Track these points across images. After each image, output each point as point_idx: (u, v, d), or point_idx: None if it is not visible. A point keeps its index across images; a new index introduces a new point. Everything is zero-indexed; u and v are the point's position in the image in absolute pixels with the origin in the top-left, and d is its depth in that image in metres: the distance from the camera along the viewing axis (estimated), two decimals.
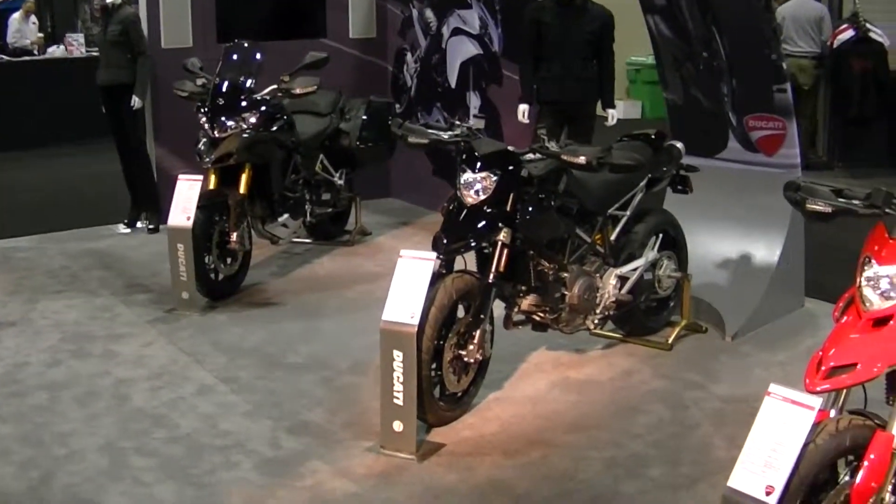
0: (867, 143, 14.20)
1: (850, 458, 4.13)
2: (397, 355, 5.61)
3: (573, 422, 6.13)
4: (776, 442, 3.90)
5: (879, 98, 13.89)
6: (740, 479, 3.92)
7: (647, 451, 5.78)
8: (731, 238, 7.97)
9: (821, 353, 4.19)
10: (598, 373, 6.87)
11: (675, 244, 7.47)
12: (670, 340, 7.28)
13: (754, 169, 7.91)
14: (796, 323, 7.70)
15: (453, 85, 11.22)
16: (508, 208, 6.09)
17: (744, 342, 7.37)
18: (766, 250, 7.82)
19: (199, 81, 8.75)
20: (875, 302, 4.19)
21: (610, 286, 6.84)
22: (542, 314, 6.55)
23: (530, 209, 6.14)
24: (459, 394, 6.16)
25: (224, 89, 8.51)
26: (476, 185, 6.06)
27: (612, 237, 6.98)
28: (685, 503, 5.22)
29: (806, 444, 3.94)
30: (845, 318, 4.32)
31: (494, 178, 6.05)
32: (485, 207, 6.06)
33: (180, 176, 8.23)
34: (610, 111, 9.45)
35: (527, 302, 6.48)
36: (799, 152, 7.85)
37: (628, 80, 19.09)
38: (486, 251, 6.13)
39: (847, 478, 4.09)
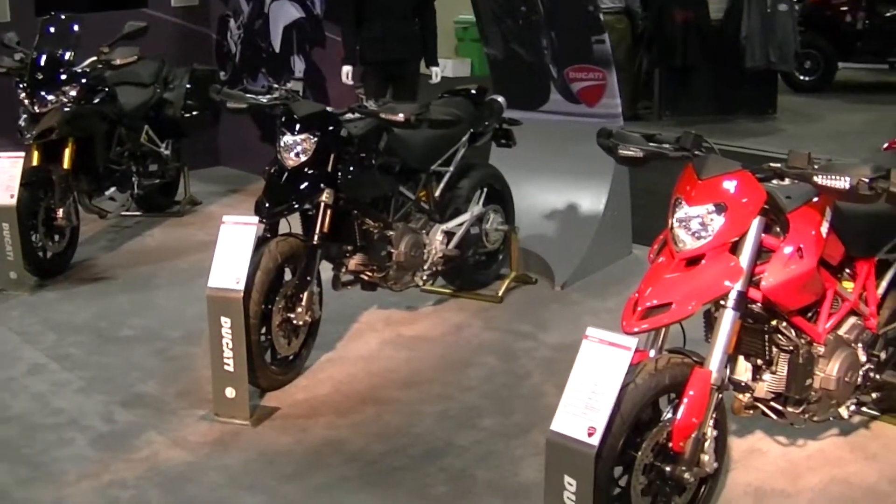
0: (693, 92, 14.45)
1: (672, 395, 4.23)
2: (225, 321, 5.56)
3: (406, 378, 6.16)
4: (596, 384, 3.96)
5: (702, 47, 14.16)
6: (563, 422, 3.97)
7: (480, 403, 5.84)
8: (557, 189, 8.06)
9: (637, 294, 4.27)
10: (430, 328, 6.91)
11: (500, 198, 7.53)
12: (500, 293, 7.35)
13: (577, 120, 8.00)
14: (624, 270, 7.82)
15: (277, 49, 11.13)
16: (329, 169, 6.07)
17: (573, 291, 7.48)
18: (591, 200, 7.92)
19: (17, 56, 8.54)
20: (687, 242, 4.28)
21: (437, 242, 6.87)
22: (369, 273, 6.55)
23: (351, 169, 6.13)
24: (291, 357, 6.14)
25: (42, 63, 8.31)
26: (296, 147, 6.03)
27: (437, 193, 7.00)
28: (518, 451, 5.27)
29: (626, 385, 4.02)
30: (660, 259, 4.40)
31: (314, 139, 6.02)
32: (306, 169, 6.03)
33: (0, 154, 8.04)
34: (434, 69, 9.47)
35: (354, 262, 6.48)
36: (619, 102, 7.95)
37: (456, 39, 19.16)
38: (309, 213, 6.11)
39: (669, 415, 4.18)
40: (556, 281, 7.58)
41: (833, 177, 4.12)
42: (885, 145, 5.56)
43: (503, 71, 8.55)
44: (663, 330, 4.36)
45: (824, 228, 4.45)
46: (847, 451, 5.29)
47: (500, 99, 7.46)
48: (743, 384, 4.71)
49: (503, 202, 7.54)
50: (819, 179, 4.16)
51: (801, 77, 16.94)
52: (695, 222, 4.27)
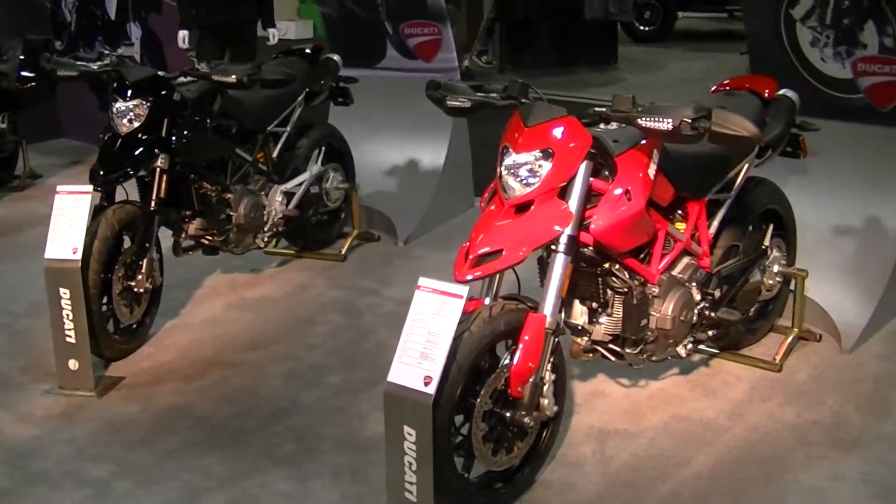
0: (534, 45, 14.53)
1: (509, 342, 4.27)
2: (64, 293, 5.48)
3: (251, 340, 6.14)
4: (430, 333, 3.98)
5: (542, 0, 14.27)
6: (399, 372, 3.98)
7: (325, 361, 5.85)
8: (398, 146, 8.08)
9: (468, 243, 4.30)
10: (274, 290, 6.89)
11: (340, 156, 7.53)
12: (343, 251, 7.37)
13: (414, 76, 8.00)
14: (467, 222, 7.73)
15: (113, 17, 10.95)
16: (164, 134, 6.00)
17: (416, 246, 7.51)
18: (432, 155, 7.96)
19: None
20: (516, 189, 4.31)
21: (276, 203, 6.85)
22: (210, 237, 6.51)
23: (186, 133, 6.06)
24: (134, 325, 6.07)
25: None
26: (128, 113, 5.95)
27: (275, 154, 6.96)
28: (364, 405, 5.29)
29: (461, 333, 4.05)
30: (491, 207, 4.44)
31: (146, 104, 5.94)
32: (139, 135, 5.95)
33: None
34: (271, 30, 9.44)
35: (193, 226, 6.43)
36: (455, 56, 7.98)
37: (299, 1, 19.03)
38: (145, 179, 6.03)
39: (507, 361, 4.22)
40: (398, 237, 7.60)
41: (656, 118, 4.19)
42: (714, 88, 5.68)
43: (339, 29, 8.52)
44: (497, 277, 4.40)
45: (652, 170, 4.51)
46: (687, 389, 5.41)
47: (336, 57, 7.44)
48: (580, 328, 4.78)
49: (343, 160, 7.55)
50: (643, 122, 4.23)
51: (642, 27, 17.17)
52: (523, 169, 4.31)
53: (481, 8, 14.60)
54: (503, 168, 4.36)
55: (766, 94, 5.51)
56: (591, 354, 4.90)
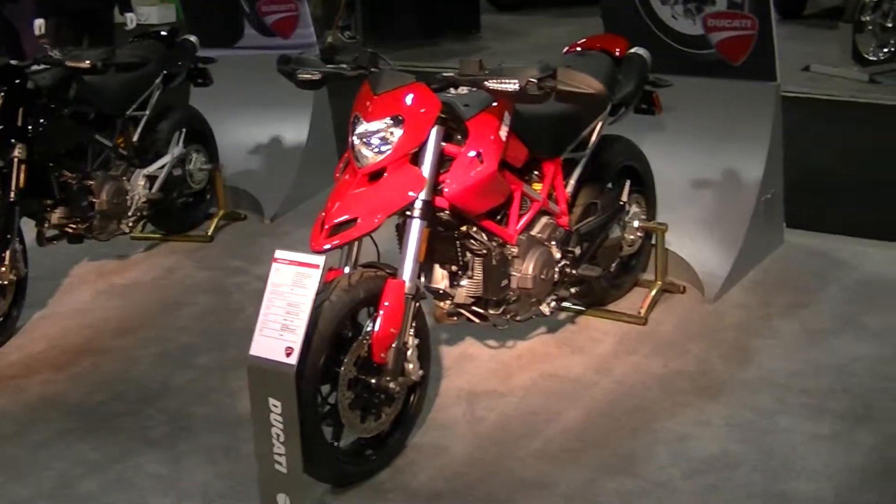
0: (396, 18, 14.51)
1: (371, 309, 4.30)
2: None
3: (120, 326, 6.10)
4: (290, 305, 3.98)
5: None
6: (260, 345, 3.99)
7: (195, 341, 5.83)
8: (260, 124, 8.06)
9: (324, 213, 4.32)
10: (142, 274, 6.85)
11: (202, 137, 7.49)
12: (210, 232, 7.34)
13: (274, 53, 7.93)
14: None
15: None
16: (19, 123, 5.92)
17: (283, 223, 7.52)
18: (294, 131, 7.96)
19: None
20: (368, 157, 4.34)
21: (139, 187, 6.80)
22: (73, 226, 6.44)
23: (42, 121, 5.99)
24: (2, 318, 6.00)
25: None
26: None
27: (135, 138, 6.90)
28: (235, 383, 5.28)
29: (321, 303, 4.08)
30: (345, 177, 4.46)
31: None
32: None
33: None
34: (128, 15, 9.39)
35: (56, 216, 6.36)
36: (313, 31, 7.98)
37: None
38: (3, 170, 5.95)
39: (369, 328, 4.25)
40: (265, 214, 7.60)
41: (502, 80, 4.24)
42: (566, 49, 5.74)
43: (196, 10, 8.49)
44: (356, 246, 4.42)
45: (503, 132, 4.56)
46: (555, 347, 5.49)
47: (193, 38, 7.41)
48: (441, 291, 4.82)
49: (205, 141, 7.51)
50: (490, 84, 4.28)
51: None
52: (374, 137, 4.33)
53: None
54: (355, 137, 4.38)
55: (618, 53, 5.60)
56: (455, 318, 4.95)
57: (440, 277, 4.82)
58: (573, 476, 4.41)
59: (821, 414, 4.80)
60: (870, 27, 11.94)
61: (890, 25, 12.04)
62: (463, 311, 4.91)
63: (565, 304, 5.59)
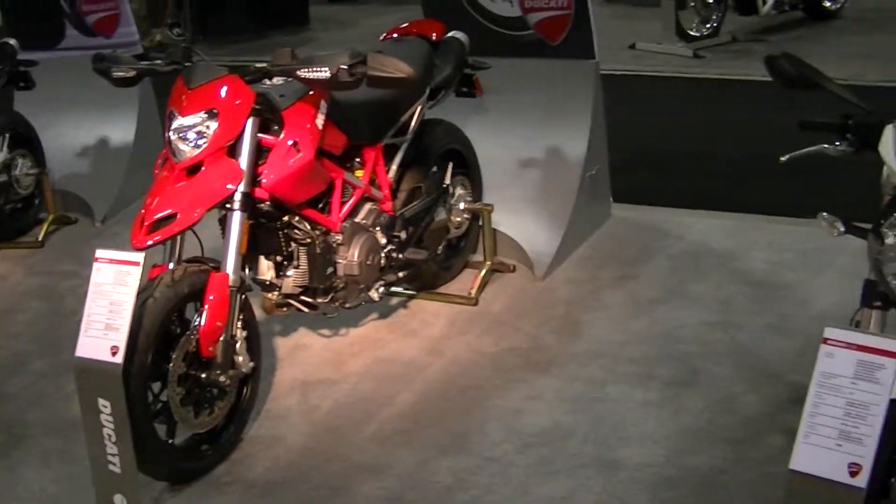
0: (225, 12, 14.40)
1: (197, 304, 4.30)
2: None
3: None
4: (113, 304, 3.97)
5: None
6: (86, 346, 3.97)
7: (28, 348, 5.76)
8: (86, 126, 7.95)
9: (143, 209, 4.30)
10: None
11: (28, 141, 7.35)
12: (40, 237, 7.22)
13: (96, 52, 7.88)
14: None
15: None
16: None
17: (114, 224, 7.42)
18: (121, 131, 7.87)
19: None
20: (185, 151, 4.34)
21: None
22: None
23: None
24: None
25: None
26: None
27: None
28: (68, 386, 5.07)
29: (145, 300, 4.07)
30: (164, 173, 4.45)
31: None
32: None
33: None
34: None
35: None
36: (136, 29, 7.93)
37: None
38: None
39: (196, 322, 4.25)
40: (95, 217, 7.51)
41: (314, 68, 4.28)
42: (383, 36, 5.78)
43: (15, 12, 8.34)
44: (178, 241, 4.40)
45: (320, 121, 4.58)
46: (388, 332, 5.53)
47: (13, 41, 7.30)
48: (268, 283, 4.84)
49: (31, 146, 7.38)
50: (302, 73, 4.31)
51: None
52: (190, 132, 4.33)
53: None
54: (171, 132, 4.38)
55: (434, 37, 5.65)
56: (285, 308, 4.97)
57: (266, 269, 4.82)
58: (407, 457, 4.47)
59: (649, 381, 4.92)
60: (692, 3, 12.20)
61: (711, 1, 12.32)
62: (292, 301, 4.92)
63: (396, 288, 5.64)
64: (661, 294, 5.77)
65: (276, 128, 4.52)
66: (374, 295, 5.14)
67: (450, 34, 5.74)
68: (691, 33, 12.26)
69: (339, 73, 4.24)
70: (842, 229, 3.47)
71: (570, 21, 6.17)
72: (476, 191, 6.02)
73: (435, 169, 5.64)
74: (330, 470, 4.43)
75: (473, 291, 5.79)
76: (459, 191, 5.87)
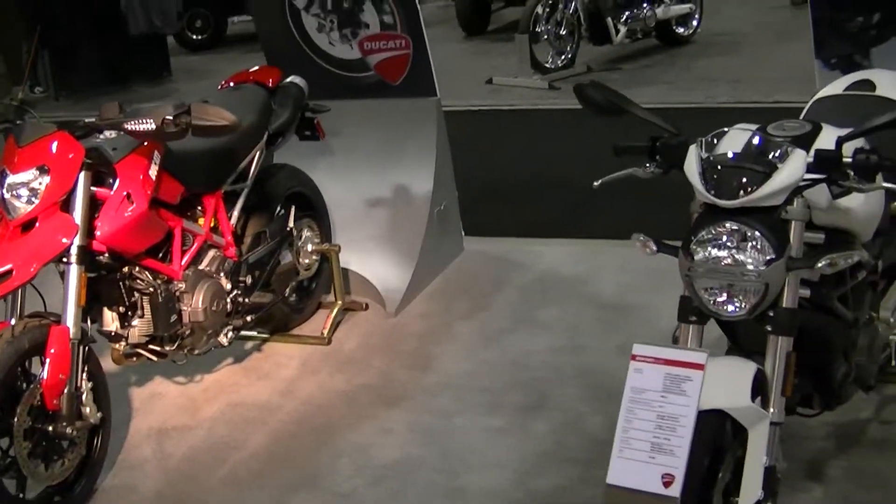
0: (84, 67, 14.27)
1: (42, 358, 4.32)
2: None
3: None
4: None
5: (84, 19, 14.04)
6: None
7: None
8: None
9: None
10: None
11: None
12: None
13: None
14: None
15: None
16: None
17: None
18: None
19: None
20: (19, 208, 4.37)
21: None
22: None
23: None
24: None
25: None
26: None
27: None
28: None
29: None
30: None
31: None
32: None
33: None
34: None
35: None
36: None
37: None
38: None
39: (40, 376, 4.27)
40: None
41: (140, 121, 4.35)
42: (220, 85, 5.85)
43: None
44: (19, 297, 4.42)
45: (153, 171, 4.63)
46: (242, 376, 5.59)
47: None
48: (113, 334, 4.87)
49: None
50: (129, 126, 4.39)
51: (194, 36, 17.25)
52: (23, 189, 4.37)
53: (20, 41, 14.22)
54: (3, 190, 4.41)
55: (271, 83, 5.73)
56: (135, 358, 5.00)
57: (110, 320, 4.85)
58: (258, 498, 4.54)
59: (497, 409, 5.02)
60: (545, 37, 12.41)
61: (564, 33, 12.54)
62: (140, 350, 4.96)
63: (249, 332, 5.70)
64: (511, 323, 5.89)
65: (110, 181, 4.56)
66: (223, 340, 5.19)
67: (288, 79, 5.83)
68: (546, 66, 12.46)
69: (164, 124, 4.32)
70: (654, 248, 3.59)
71: (409, 60, 6.30)
72: (324, 232, 6.10)
73: (280, 212, 5.70)
74: None
75: (325, 331, 5.87)
76: (306, 233, 5.93)
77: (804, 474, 4.29)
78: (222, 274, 5.15)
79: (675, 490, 3.03)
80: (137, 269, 4.74)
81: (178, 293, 4.90)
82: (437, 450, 4.74)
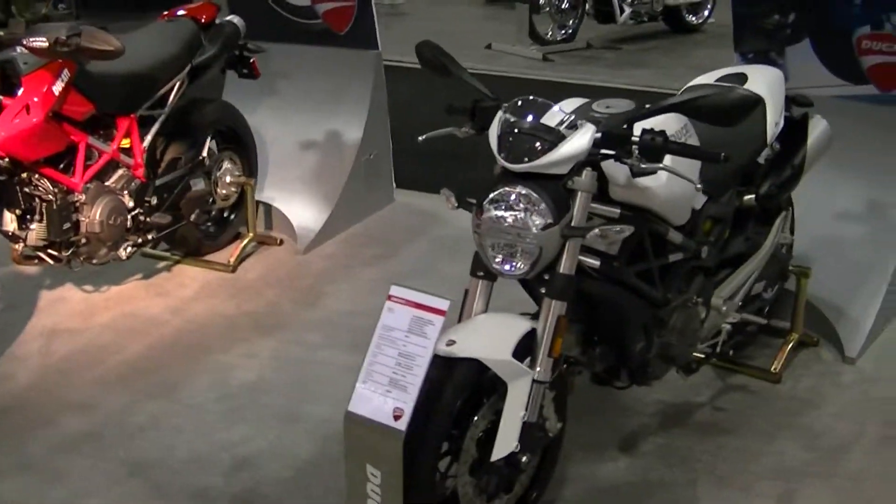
0: None
1: None
2: None
3: None
4: None
5: None
6: None
7: None
8: None
9: None
10: None
11: None
12: None
13: None
14: None
15: None
16: None
17: None
18: None
19: None
20: None
21: None
22: None
23: None
24: None
25: None
26: None
27: None
28: None
29: None
30: None
31: None
32: None
33: None
34: None
35: None
36: None
37: None
38: None
39: None
40: None
41: (35, 38, 4.73)
42: (158, 17, 6.15)
43: None
44: None
45: (57, 87, 4.95)
46: (143, 291, 5.95)
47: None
48: (11, 234, 5.22)
49: None
50: (25, 41, 4.76)
51: None
52: None
53: None
54: None
55: (204, 19, 6.03)
56: (35, 260, 5.34)
57: (9, 220, 5.18)
58: (117, 399, 4.89)
59: (361, 348, 5.29)
60: (546, 9, 12.64)
61: (566, 7, 12.77)
62: (40, 252, 5.30)
63: (162, 253, 6.07)
64: (411, 272, 6.20)
65: (19, 93, 4.92)
66: (122, 254, 5.52)
67: (226, 18, 6.14)
68: (546, 38, 12.68)
69: (56, 44, 4.69)
70: (455, 204, 3.85)
71: (354, 13, 6.60)
72: (247, 166, 6.41)
73: (198, 143, 6.02)
74: (46, 405, 4.84)
75: (232, 260, 6.21)
76: (227, 165, 6.25)
77: (617, 446, 4.56)
78: (127, 192, 5.48)
79: (402, 424, 3.35)
80: (37, 176, 5.08)
81: (78, 204, 5.23)
82: (289, 378, 5.10)
